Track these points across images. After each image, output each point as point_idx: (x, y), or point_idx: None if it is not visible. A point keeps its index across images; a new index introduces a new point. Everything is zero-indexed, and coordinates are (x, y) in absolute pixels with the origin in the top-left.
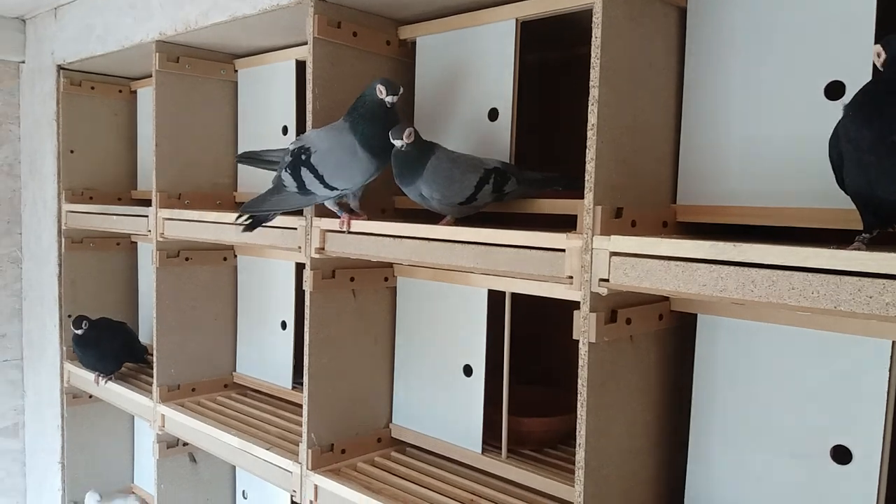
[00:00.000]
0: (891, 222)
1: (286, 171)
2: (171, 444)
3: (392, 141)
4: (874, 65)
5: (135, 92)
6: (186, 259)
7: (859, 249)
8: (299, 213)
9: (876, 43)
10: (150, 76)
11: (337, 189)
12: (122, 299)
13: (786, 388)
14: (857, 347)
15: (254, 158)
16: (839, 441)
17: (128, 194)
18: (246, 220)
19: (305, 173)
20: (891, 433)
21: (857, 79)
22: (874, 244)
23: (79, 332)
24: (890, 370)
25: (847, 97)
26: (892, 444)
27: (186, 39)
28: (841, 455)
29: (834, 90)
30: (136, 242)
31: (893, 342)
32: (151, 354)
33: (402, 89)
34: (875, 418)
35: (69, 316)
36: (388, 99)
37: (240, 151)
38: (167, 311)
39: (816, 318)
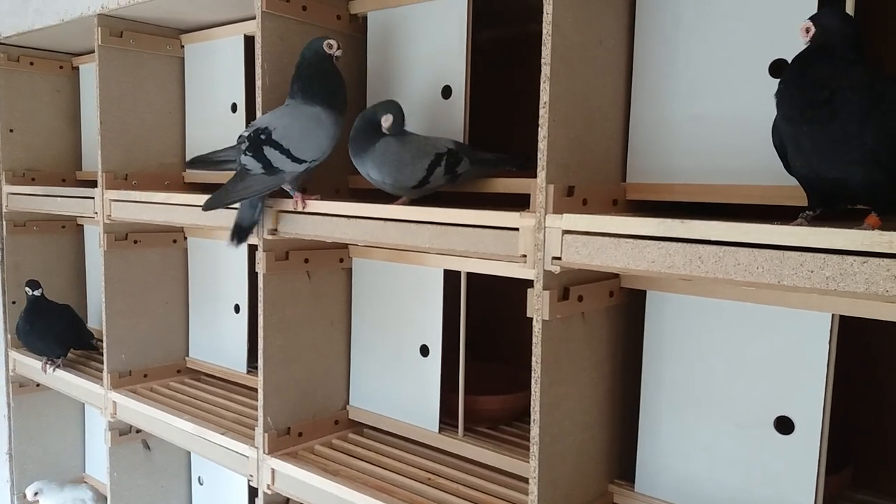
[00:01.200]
0: (835, 203)
1: (246, 154)
2: (123, 432)
3: (381, 119)
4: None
5: (77, 68)
6: (135, 242)
7: (801, 225)
8: None
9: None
10: (93, 52)
11: (306, 161)
12: (69, 284)
13: (731, 362)
14: (800, 321)
15: (204, 161)
16: (782, 412)
17: (72, 175)
18: (234, 239)
19: (270, 151)
20: (830, 404)
21: None
22: (818, 220)
23: (36, 292)
24: (830, 342)
25: None
26: (832, 414)
27: (130, 13)
28: (784, 425)
29: (778, 68)
30: (82, 225)
31: (833, 315)
32: (100, 340)
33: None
34: (816, 389)
35: (13, 302)
36: (338, 53)
37: (188, 130)
38: (116, 296)
39: (761, 293)
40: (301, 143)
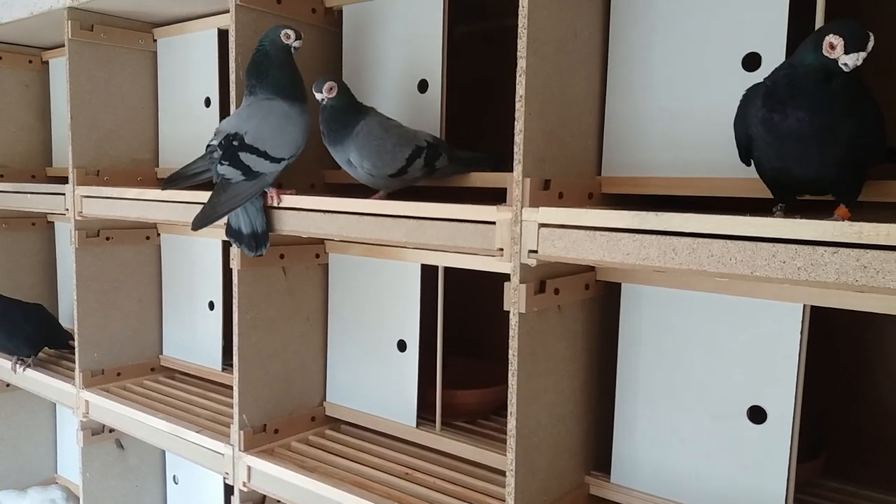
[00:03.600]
0: (799, 194)
1: (222, 164)
2: (96, 431)
3: (315, 94)
4: (787, 36)
5: (46, 62)
6: (107, 238)
7: (777, 217)
8: None
9: (832, 35)
10: (63, 45)
11: (284, 159)
12: (40, 282)
13: (705, 353)
14: (772, 312)
15: (179, 178)
16: (755, 402)
17: (42, 171)
18: (255, 249)
19: (246, 156)
20: (802, 393)
21: (772, 50)
22: (789, 212)
23: None
24: (802, 333)
25: (763, 68)
26: (804, 404)
27: (101, 6)
28: (757, 415)
29: (751, 61)
30: (52, 222)
31: (805, 306)
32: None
33: (301, 33)
34: (788, 379)
35: None
36: (296, 44)
37: (161, 124)
38: (88, 294)
39: (734, 284)
40: (276, 142)
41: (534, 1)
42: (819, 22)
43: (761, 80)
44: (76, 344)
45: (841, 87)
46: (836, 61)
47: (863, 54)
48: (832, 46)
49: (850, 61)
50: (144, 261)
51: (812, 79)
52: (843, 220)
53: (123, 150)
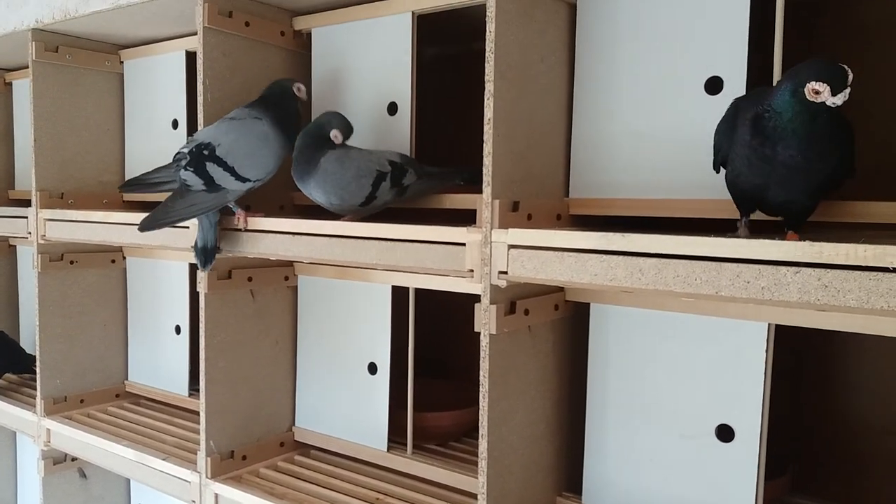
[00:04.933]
0: (752, 211)
1: (187, 170)
2: (58, 461)
3: (331, 130)
4: (747, 62)
5: (10, 84)
6: (71, 262)
7: (743, 233)
8: None
9: (817, 80)
10: (27, 67)
11: (249, 180)
12: (1, 307)
13: (673, 372)
14: (738, 331)
15: (139, 184)
16: (723, 420)
17: (4, 194)
18: (202, 263)
19: (213, 168)
20: (769, 411)
21: (733, 74)
22: (754, 232)
23: None
24: (767, 351)
25: (725, 92)
26: (770, 421)
27: (67, 28)
28: (725, 433)
29: (713, 85)
30: (14, 246)
31: (770, 324)
32: None
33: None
34: (755, 397)
35: None
36: (304, 97)
37: (127, 147)
38: (51, 319)
39: (700, 304)
40: (246, 161)
41: (500, 26)
42: (778, 45)
43: (724, 103)
44: (38, 371)
45: (826, 121)
46: (822, 103)
47: (847, 90)
48: (817, 92)
49: (838, 101)
50: (109, 284)
51: (799, 121)
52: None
53: (89, 172)
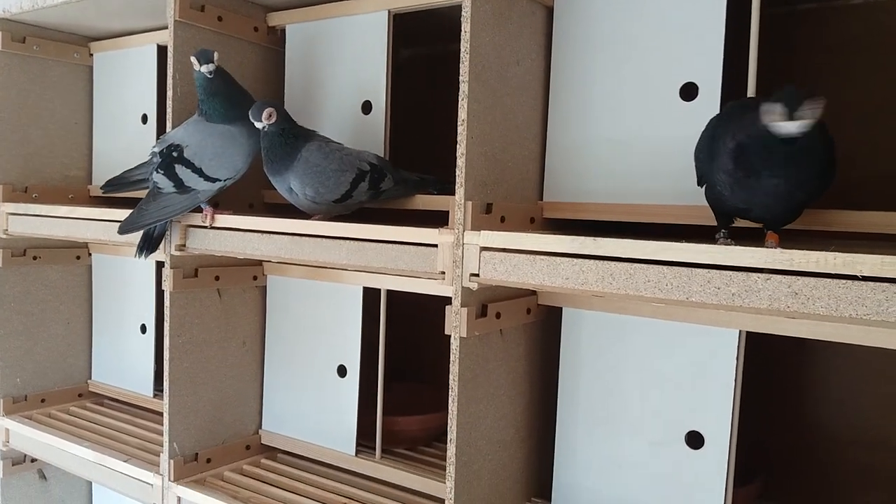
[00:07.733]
0: (732, 223)
1: (158, 172)
2: (17, 462)
3: (253, 123)
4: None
5: None
6: (34, 258)
7: (726, 245)
8: None
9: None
10: None
11: (219, 180)
12: None
13: (644, 378)
14: (708, 337)
15: (120, 183)
16: (693, 427)
17: None
18: (142, 251)
19: (181, 170)
20: (738, 417)
21: (708, 80)
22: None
23: None
24: (737, 358)
25: (700, 98)
26: (740, 428)
27: (34, 18)
28: (694, 440)
29: (688, 91)
30: None
31: (740, 331)
32: None
33: (216, 54)
34: (724, 404)
35: None
36: (205, 69)
37: (95, 141)
38: (12, 315)
39: (671, 310)
40: (214, 162)
41: (476, 27)
42: (753, 51)
43: (699, 110)
44: None
45: (805, 146)
46: (790, 133)
47: (811, 113)
48: (780, 127)
49: (801, 128)
50: (74, 281)
51: (779, 149)
52: (776, 247)
53: (55, 166)
